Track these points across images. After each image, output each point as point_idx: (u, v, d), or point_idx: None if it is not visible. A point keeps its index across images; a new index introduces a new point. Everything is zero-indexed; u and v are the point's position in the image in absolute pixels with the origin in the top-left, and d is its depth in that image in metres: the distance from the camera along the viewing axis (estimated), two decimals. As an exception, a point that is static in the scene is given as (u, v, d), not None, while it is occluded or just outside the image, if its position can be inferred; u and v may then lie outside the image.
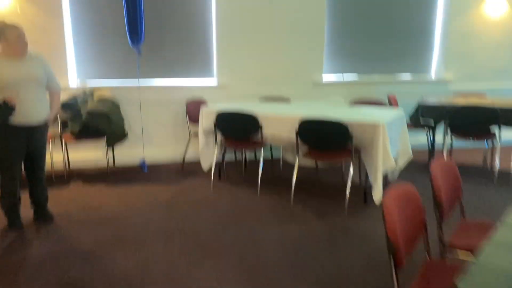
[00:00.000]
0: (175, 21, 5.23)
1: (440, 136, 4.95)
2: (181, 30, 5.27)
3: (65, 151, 4.92)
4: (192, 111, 4.99)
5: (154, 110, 5.30)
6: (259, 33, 5.39)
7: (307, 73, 5.60)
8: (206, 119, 4.41)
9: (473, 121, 4.49)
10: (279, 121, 3.99)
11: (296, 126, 3.74)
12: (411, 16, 5.85)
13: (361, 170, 4.09)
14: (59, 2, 4.83)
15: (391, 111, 4.13)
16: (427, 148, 5.34)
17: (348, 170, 3.75)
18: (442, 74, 5.98)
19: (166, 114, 5.35)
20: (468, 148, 5.93)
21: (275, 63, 5.50)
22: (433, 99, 5.09)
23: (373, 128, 3.55)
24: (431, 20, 5.92)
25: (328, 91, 5.69)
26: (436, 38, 5.99)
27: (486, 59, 6.00)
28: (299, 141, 3.77)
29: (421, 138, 5.88)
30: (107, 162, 4.93)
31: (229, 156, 5.49)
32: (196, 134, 4.68)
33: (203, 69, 5.43)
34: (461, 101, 4.95)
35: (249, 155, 5.47)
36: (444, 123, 4.71)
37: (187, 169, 5.04)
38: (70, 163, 5.09)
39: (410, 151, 4.16)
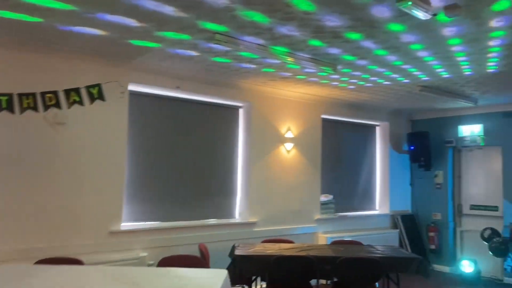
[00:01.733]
0: None
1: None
2: None
3: None
4: None
5: None
6: (38, 171, 4.21)
7: (101, 221, 4.56)
8: None
9: (291, 274, 4.21)
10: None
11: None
12: (214, 161, 5.69)
13: None
14: None
15: (215, 274, 3.45)
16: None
17: None
18: (246, 218, 5.79)
19: None
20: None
21: (60, 211, 4.31)
22: (244, 248, 4.71)
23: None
24: (233, 165, 5.87)
25: (129, 241, 4.71)
26: (238, 183, 5.91)
27: (283, 201, 6.16)
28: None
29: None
30: None
31: None
32: None
33: None
34: (272, 249, 4.72)
35: None
36: (262, 276, 4.30)
37: None
38: None
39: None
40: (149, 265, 4.65)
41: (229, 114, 5.91)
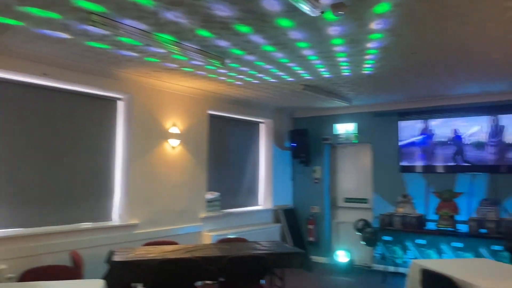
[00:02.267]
0: None
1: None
2: None
3: None
4: None
5: None
6: None
7: None
8: None
9: (176, 277, 3.97)
10: None
11: None
12: (89, 158, 5.14)
13: None
14: None
15: (90, 285, 3.08)
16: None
17: None
18: (126, 220, 5.37)
19: None
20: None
21: None
22: (124, 253, 4.33)
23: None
24: (110, 163, 5.38)
25: (-20, 253, 4.00)
26: (117, 182, 5.44)
27: (167, 201, 5.86)
28: None
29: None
30: None
31: None
32: None
33: None
34: (155, 252, 4.42)
35: None
36: (144, 282, 3.99)
37: None
38: None
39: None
40: (9, 280, 4.01)
41: (107, 107, 5.40)
